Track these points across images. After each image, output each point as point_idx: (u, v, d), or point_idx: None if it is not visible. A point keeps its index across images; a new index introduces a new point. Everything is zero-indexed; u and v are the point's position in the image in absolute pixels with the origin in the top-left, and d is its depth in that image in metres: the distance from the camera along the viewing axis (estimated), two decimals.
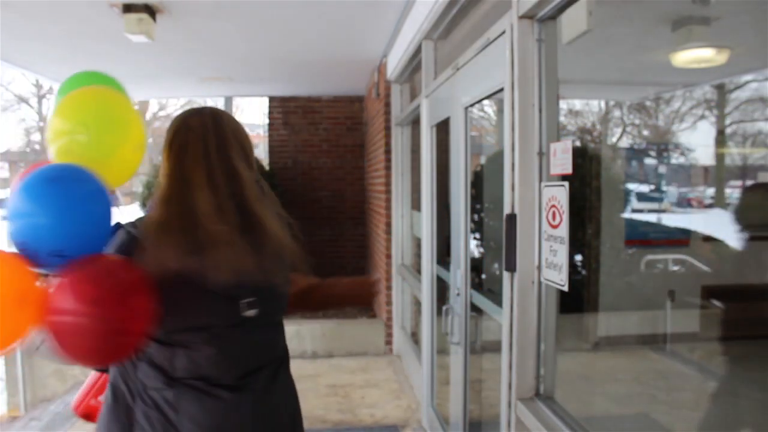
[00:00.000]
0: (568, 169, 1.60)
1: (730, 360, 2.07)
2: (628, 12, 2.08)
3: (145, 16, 3.25)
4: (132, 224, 1.25)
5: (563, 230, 1.59)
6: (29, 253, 1.14)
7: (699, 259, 2.30)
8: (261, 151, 7.20)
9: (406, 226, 4.70)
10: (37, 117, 18.68)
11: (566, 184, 1.59)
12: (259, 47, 4.40)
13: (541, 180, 1.78)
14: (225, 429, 1.22)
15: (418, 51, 3.49)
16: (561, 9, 1.69)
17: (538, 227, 1.77)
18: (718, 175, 2.21)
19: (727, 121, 2.16)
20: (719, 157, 2.22)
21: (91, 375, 1.69)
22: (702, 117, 2.34)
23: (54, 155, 1.37)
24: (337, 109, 6.72)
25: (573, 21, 1.67)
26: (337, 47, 4.42)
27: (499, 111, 2.87)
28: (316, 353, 5.11)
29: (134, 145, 1.48)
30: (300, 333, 5.05)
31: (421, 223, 3.55)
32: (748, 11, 1.59)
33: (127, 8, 3.25)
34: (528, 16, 1.79)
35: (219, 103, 7.42)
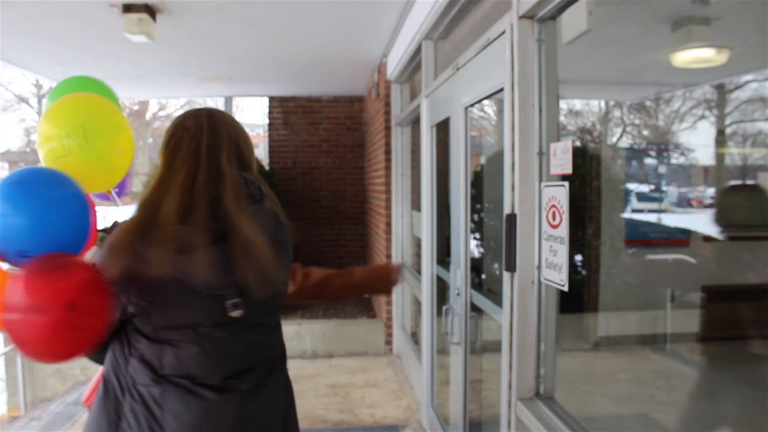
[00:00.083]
0: (568, 169, 1.60)
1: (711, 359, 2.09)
2: (628, 12, 2.08)
3: (145, 16, 3.25)
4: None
5: (563, 230, 1.59)
6: None
7: (699, 259, 2.30)
8: (261, 151, 7.20)
9: (406, 226, 4.70)
10: (37, 117, 18.68)
11: (566, 184, 1.59)
12: (259, 47, 4.40)
13: (541, 180, 1.78)
14: (207, 429, 1.22)
15: (418, 51, 3.49)
16: (561, 9, 1.70)
17: (538, 227, 1.77)
18: (718, 175, 2.21)
19: (727, 121, 2.16)
20: (719, 157, 2.22)
21: (100, 369, 1.72)
22: (702, 117, 2.34)
23: (43, 159, 1.43)
24: (337, 109, 6.72)
25: (573, 21, 1.67)
26: (337, 47, 4.42)
27: (499, 111, 2.87)
28: (316, 353, 5.12)
29: (121, 148, 1.54)
30: (300, 333, 5.05)
31: (421, 223, 3.55)
32: (748, 11, 1.59)
33: (127, 8, 3.25)
34: (528, 16, 1.79)
35: (219, 103, 7.43)
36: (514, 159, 1.83)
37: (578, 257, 2.97)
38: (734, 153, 2.17)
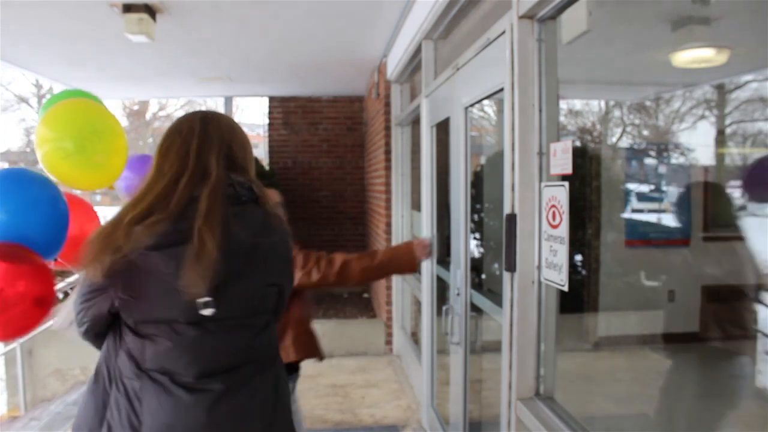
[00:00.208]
0: (568, 169, 1.60)
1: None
2: (628, 12, 2.08)
3: (145, 16, 3.25)
4: None
5: (563, 230, 1.59)
6: None
7: (699, 258, 2.30)
8: (261, 151, 7.21)
9: (406, 226, 4.70)
10: (37, 117, 18.68)
11: (566, 184, 1.59)
12: (259, 47, 4.40)
13: (541, 180, 1.78)
14: (179, 429, 1.23)
15: (418, 51, 3.49)
16: (561, 9, 1.70)
17: (538, 227, 1.77)
18: (718, 175, 2.21)
19: (727, 121, 2.16)
20: (719, 157, 2.22)
21: None
22: (702, 117, 2.34)
23: (40, 160, 1.54)
24: (337, 109, 6.72)
25: (573, 21, 1.67)
26: (337, 47, 4.42)
27: (499, 111, 2.86)
28: None
29: (114, 150, 1.64)
30: None
31: (421, 223, 3.55)
32: (748, 11, 1.59)
33: (127, 8, 3.25)
34: (528, 16, 1.79)
35: (219, 103, 7.42)
36: (514, 159, 1.83)
37: (578, 257, 2.97)
38: (734, 153, 2.17)
